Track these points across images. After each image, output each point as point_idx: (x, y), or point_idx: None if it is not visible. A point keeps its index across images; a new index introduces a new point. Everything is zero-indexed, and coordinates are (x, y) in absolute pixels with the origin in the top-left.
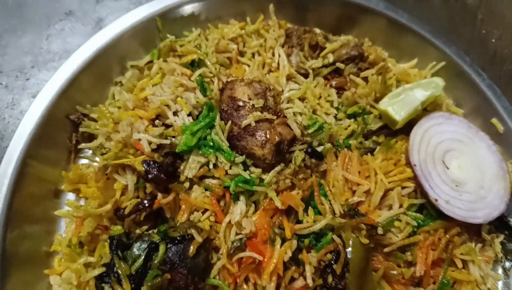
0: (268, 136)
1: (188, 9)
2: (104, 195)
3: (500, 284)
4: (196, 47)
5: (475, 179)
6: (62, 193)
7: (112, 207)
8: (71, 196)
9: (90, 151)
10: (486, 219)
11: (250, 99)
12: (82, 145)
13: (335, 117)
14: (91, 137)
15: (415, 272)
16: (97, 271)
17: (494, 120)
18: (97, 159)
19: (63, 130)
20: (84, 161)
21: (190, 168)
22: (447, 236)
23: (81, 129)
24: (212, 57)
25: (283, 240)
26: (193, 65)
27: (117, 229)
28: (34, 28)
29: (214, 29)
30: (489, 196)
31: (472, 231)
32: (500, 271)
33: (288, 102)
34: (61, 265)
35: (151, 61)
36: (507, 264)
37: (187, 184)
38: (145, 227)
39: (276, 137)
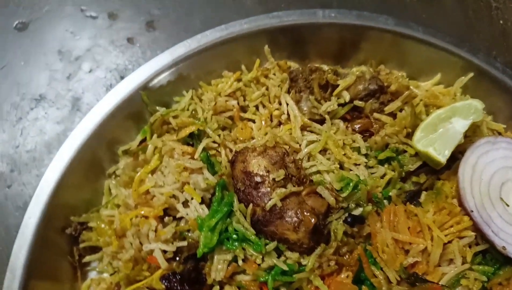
0: (300, 217)
1: (173, 72)
2: None
3: None
4: (192, 114)
5: None
6: None
7: None
8: None
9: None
10: None
11: (268, 171)
12: (87, 259)
13: (367, 166)
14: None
15: None
16: None
17: None
18: (106, 267)
19: (62, 243)
20: (93, 273)
21: (217, 269)
22: None
23: (81, 245)
24: (213, 123)
25: None
26: (193, 136)
27: None
28: (4, 123)
29: (207, 87)
30: None
31: None
32: None
33: (309, 160)
34: None
35: (144, 139)
36: None
37: (217, 288)
38: None
39: (312, 219)
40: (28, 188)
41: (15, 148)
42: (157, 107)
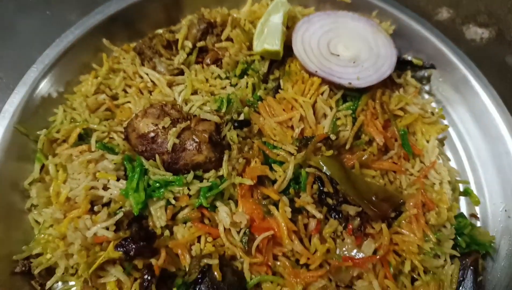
0: (197, 139)
1: (35, 99)
2: None
3: (434, 104)
4: (71, 121)
5: (363, 47)
6: None
7: None
8: None
9: (60, 283)
10: (391, 68)
11: (156, 125)
12: (49, 283)
13: (231, 85)
14: (49, 269)
15: (378, 144)
16: None
17: None
18: (72, 283)
19: (20, 285)
20: None
21: (158, 217)
22: (377, 101)
23: (36, 271)
24: (93, 119)
25: (276, 205)
26: (83, 138)
27: None
28: None
29: (73, 96)
30: (381, 51)
31: (388, 84)
32: (426, 96)
33: (186, 104)
34: None
35: (43, 165)
36: (426, 87)
37: (167, 232)
38: None
39: (204, 134)
40: None
41: None
42: (38, 132)
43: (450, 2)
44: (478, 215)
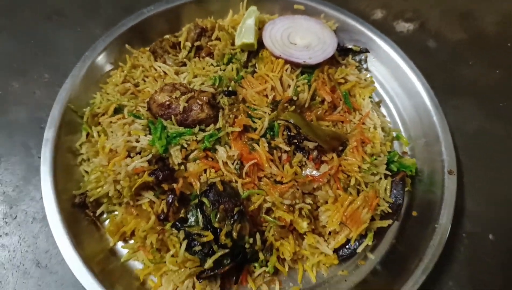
0: (200, 102)
1: (81, 86)
2: (143, 217)
3: (368, 75)
4: (107, 101)
5: (314, 36)
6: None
7: (155, 217)
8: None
9: (105, 215)
10: (334, 50)
11: (170, 96)
12: (99, 211)
13: (221, 70)
14: (98, 202)
15: (328, 102)
16: (184, 244)
17: (296, 6)
18: (116, 212)
19: (78, 214)
20: (107, 221)
21: (176, 156)
22: (325, 73)
23: (91, 199)
24: (123, 99)
25: (257, 144)
26: (117, 112)
27: (169, 224)
28: None
29: (106, 85)
30: (327, 38)
31: (333, 62)
32: (364, 71)
33: (190, 85)
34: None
35: (88, 134)
36: (364, 66)
37: (182, 168)
38: (183, 209)
39: (205, 98)
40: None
41: None
42: (84, 109)
43: (383, 5)
44: (408, 152)
